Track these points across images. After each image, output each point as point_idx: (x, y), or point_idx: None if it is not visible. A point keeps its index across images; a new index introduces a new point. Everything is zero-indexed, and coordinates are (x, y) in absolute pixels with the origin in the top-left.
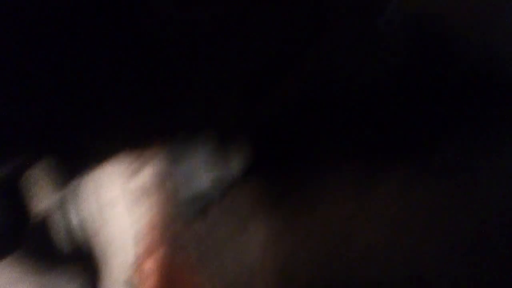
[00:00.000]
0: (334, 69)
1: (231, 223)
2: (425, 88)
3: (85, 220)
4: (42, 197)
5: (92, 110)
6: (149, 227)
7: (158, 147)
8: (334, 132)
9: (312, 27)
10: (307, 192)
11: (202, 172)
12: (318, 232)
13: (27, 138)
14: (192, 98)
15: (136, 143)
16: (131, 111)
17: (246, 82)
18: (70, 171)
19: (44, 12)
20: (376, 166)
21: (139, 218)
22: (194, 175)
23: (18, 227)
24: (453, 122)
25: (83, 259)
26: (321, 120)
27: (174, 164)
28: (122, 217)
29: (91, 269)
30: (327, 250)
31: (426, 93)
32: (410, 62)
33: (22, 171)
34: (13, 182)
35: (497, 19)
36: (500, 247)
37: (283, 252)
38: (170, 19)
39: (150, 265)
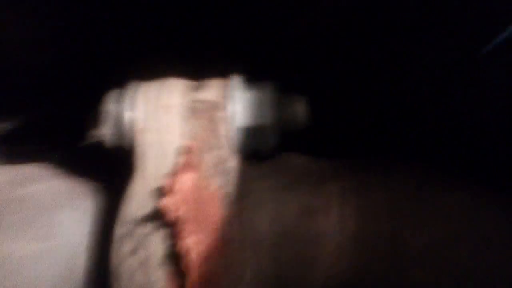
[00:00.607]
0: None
1: (279, 180)
2: None
3: (137, 117)
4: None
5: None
6: (195, 144)
7: (223, 71)
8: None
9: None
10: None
11: (266, 110)
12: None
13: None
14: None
15: (201, 61)
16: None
17: None
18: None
19: None
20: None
21: (189, 131)
22: (256, 110)
23: None
24: None
25: (122, 152)
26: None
27: (239, 92)
28: (173, 124)
29: (127, 165)
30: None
31: None
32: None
33: None
34: None
35: None
36: None
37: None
38: None
39: (185, 180)
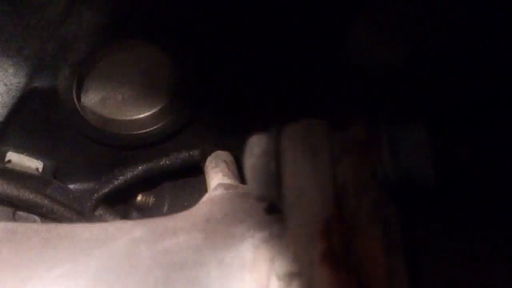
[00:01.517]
0: None
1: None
2: None
3: (284, 162)
4: None
5: None
6: (351, 186)
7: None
8: None
9: None
10: None
11: (421, 151)
12: None
13: None
14: None
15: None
16: None
17: None
18: None
19: None
20: None
21: (342, 173)
22: (411, 151)
23: None
24: None
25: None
26: None
27: (387, 134)
28: (324, 167)
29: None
30: None
31: None
32: None
33: None
34: None
35: None
36: None
37: None
38: None
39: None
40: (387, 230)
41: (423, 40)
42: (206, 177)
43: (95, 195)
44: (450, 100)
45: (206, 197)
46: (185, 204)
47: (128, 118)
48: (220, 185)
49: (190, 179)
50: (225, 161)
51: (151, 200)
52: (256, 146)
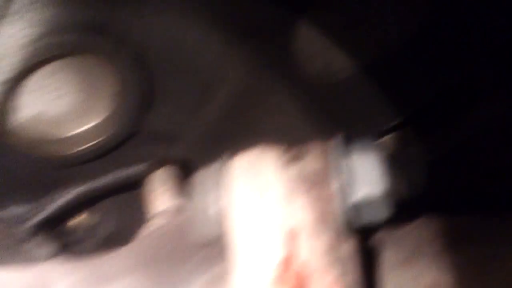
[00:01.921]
0: None
1: (399, 253)
2: None
3: (229, 203)
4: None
5: None
6: (302, 228)
7: (322, 137)
8: None
9: None
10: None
11: (374, 180)
12: None
13: None
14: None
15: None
16: None
17: None
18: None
19: None
20: None
21: (292, 213)
22: (363, 181)
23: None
24: None
25: (215, 250)
26: None
27: (341, 162)
28: (272, 208)
29: (222, 263)
30: None
31: None
32: None
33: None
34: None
35: None
36: None
37: None
38: None
39: (294, 274)
40: (347, 270)
41: (374, 43)
42: (150, 197)
43: (31, 221)
44: (407, 103)
45: (149, 227)
46: (135, 217)
47: (65, 134)
48: (163, 212)
49: (136, 192)
50: (171, 178)
51: (96, 218)
52: (199, 187)
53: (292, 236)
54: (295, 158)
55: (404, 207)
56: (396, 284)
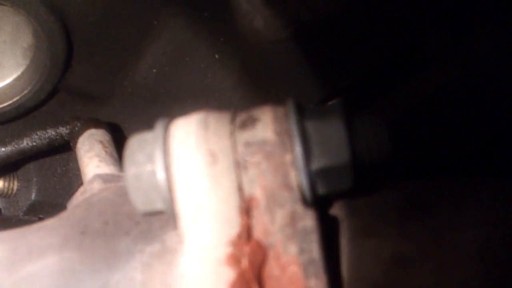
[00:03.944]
0: None
1: (360, 222)
2: None
3: (176, 174)
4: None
5: None
6: (261, 199)
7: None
8: None
9: None
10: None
11: (334, 148)
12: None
13: None
14: None
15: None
16: None
17: None
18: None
19: None
20: None
21: (249, 183)
22: (322, 149)
23: None
24: None
25: (157, 221)
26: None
27: (297, 129)
28: (227, 178)
29: (166, 235)
30: None
31: None
32: None
33: None
34: None
35: None
36: None
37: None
38: None
39: (252, 248)
40: (305, 245)
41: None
42: (79, 162)
43: None
44: (353, 66)
45: (80, 195)
46: (57, 187)
47: None
48: (96, 176)
49: (60, 156)
50: (100, 141)
51: (15, 185)
52: (137, 151)
53: (247, 208)
54: (245, 124)
55: (365, 175)
56: (358, 254)
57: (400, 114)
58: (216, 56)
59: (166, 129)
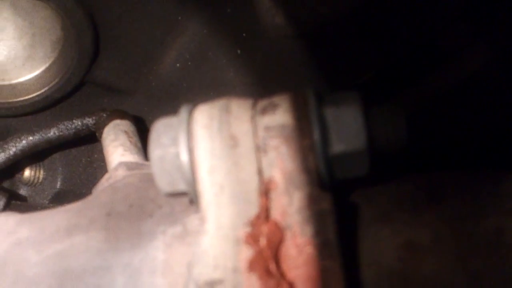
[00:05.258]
0: None
1: (376, 209)
2: None
3: (199, 157)
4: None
5: None
6: (280, 181)
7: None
8: None
9: None
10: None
11: (352, 134)
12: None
13: None
14: None
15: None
16: None
17: None
18: None
19: None
20: None
21: (268, 166)
22: (341, 135)
23: None
24: None
25: (179, 204)
26: None
27: (316, 115)
28: (246, 160)
29: (188, 218)
30: None
31: None
32: None
33: None
34: None
35: None
36: None
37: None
38: None
39: (270, 229)
40: (321, 227)
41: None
42: (104, 151)
43: None
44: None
45: (105, 181)
46: (82, 177)
47: (8, 83)
48: (121, 164)
49: (85, 147)
50: (125, 131)
51: (41, 174)
52: (162, 134)
53: (266, 190)
54: (266, 110)
55: (382, 163)
56: (372, 241)
57: (420, 106)
58: (238, 52)
59: (190, 114)
